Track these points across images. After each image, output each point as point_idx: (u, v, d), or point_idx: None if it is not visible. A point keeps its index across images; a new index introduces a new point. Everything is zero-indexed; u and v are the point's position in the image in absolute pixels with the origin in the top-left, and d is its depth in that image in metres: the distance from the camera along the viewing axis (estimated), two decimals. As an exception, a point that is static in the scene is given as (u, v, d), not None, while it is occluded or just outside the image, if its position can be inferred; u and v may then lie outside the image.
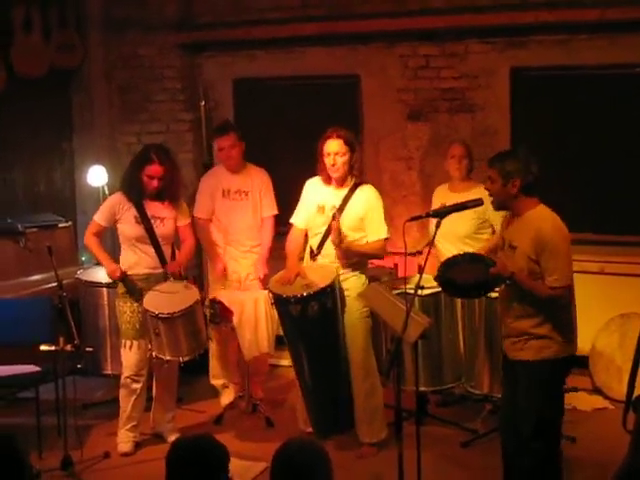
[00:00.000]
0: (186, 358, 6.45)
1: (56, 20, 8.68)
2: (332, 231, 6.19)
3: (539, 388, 5.14)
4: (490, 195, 5.26)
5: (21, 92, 8.48)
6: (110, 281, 6.96)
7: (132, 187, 6.57)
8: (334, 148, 6.27)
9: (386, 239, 6.34)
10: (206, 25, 8.91)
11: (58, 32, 8.71)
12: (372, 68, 8.41)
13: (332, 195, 6.38)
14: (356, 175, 6.34)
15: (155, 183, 6.50)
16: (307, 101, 8.59)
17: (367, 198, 6.34)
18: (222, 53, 8.99)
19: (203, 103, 8.85)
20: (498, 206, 5.31)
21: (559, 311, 5.09)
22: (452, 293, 5.75)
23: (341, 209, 6.31)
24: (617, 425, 5.84)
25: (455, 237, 6.88)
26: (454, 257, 5.34)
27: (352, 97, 8.53)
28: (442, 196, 7.02)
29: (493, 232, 6.90)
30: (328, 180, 6.40)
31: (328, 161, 6.28)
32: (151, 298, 6.40)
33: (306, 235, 6.57)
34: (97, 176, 8.35)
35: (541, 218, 5.07)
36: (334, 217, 6.23)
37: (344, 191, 6.35)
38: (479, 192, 6.42)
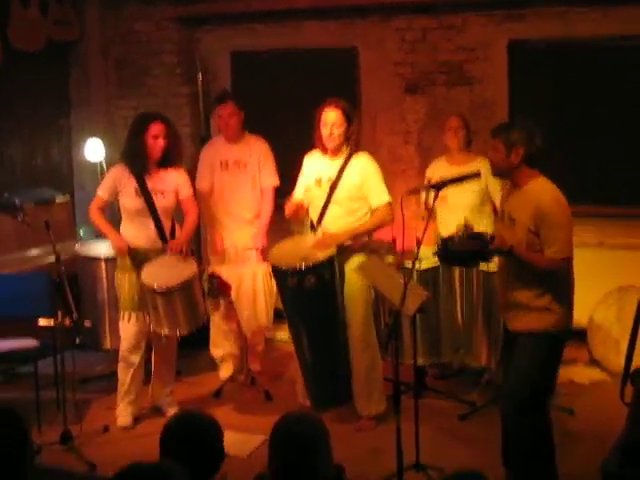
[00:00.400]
0: (184, 332, 6.45)
1: (53, -6, 8.66)
2: (322, 244, 6.22)
3: (537, 362, 5.14)
4: (492, 164, 5.25)
5: (18, 67, 8.45)
6: (108, 255, 6.98)
7: (134, 156, 6.54)
8: (332, 118, 6.26)
9: (389, 203, 6.32)
10: (203, -2, 8.88)
11: (55, 6, 8.67)
12: (369, 41, 8.38)
13: (327, 166, 6.38)
14: (352, 146, 6.33)
15: (161, 142, 6.47)
16: (305, 74, 8.57)
17: (362, 166, 6.33)
18: (219, 26, 8.95)
19: (200, 76, 8.82)
20: (498, 173, 5.30)
21: (558, 283, 5.10)
22: (451, 262, 5.76)
23: (337, 179, 6.31)
24: (615, 398, 5.86)
25: (458, 209, 6.84)
26: (451, 236, 5.33)
27: (350, 70, 8.50)
28: (441, 169, 7.01)
29: (494, 208, 6.90)
30: (325, 150, 6.39)
31: (325, 131, 6.28)
32: (149, 271, 6.39)
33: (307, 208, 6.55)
34: (95, 150, 8.34)
35: (541, 190, 5.06)
36: (314, 229, 6.34)
37: (340, 161, 6.35)
38: (478, 165, 6.43)
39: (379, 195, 6.31)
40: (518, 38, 7.86)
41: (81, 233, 8.49)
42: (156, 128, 6.47)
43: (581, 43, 7.68)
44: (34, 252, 7.86)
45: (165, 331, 6.42)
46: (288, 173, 6.67)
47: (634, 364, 5.93)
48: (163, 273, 6.38)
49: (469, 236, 5.23)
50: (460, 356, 6.91)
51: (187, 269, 6.44)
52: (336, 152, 6.35)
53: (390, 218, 6.36)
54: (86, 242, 7.95)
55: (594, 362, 7.43)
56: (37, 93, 8.88)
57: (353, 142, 6.33)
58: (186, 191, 6.74)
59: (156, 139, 6.47)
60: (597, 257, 7.47)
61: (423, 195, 6.90)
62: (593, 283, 7.11)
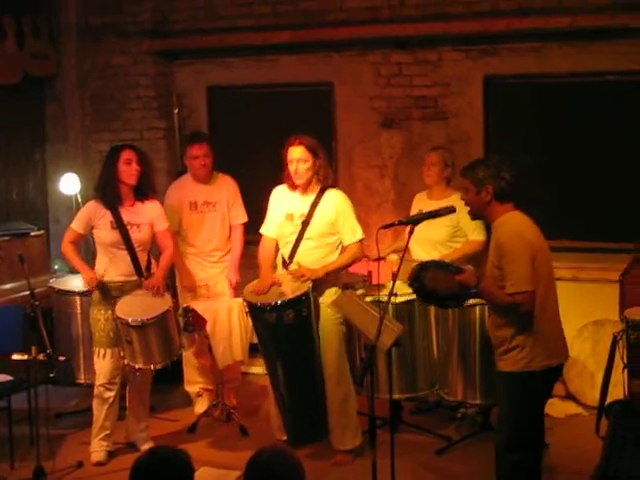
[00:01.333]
0: (158, 366, 6.44)
1: (30, 28, 8.65)
2: (298, 276, 6.21)
3: (514, 400, 5.12)
4: (466, 205, 5.27)
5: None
6: (83, 289, 6.95)
7: (107, 191, 6.55)
8: (296, 155, 6.29)
9: (361, 240, 6.34)
10: (179, 32, 8.90)
11: (32, 40, 8.68)
12: (345, 76, 8.42)
13: (299, 202, 6.39)
14: (321, 180, 6.35)
15: (134, 168, 6.49)
16: (281, 108, 8.60)
17: (335, 202, 6.35)
18: (196, 60, 8.99)
19: (177, 111, 8.84)
20: (474, 215, 5.32)
21: (526, 320, 5.02)
22: (427, 300, 5.76)
23: (309, 216, 6.32)
24: (590, 431, 5.90)
25: (428, 243, 6.90)
26: (425, 263, 5.33)
27: (325, 105, 8.54)
28: (420, 203, 7.05)
29: (467, 241, 6.94)
30: (294, 187, 6.41)
31: (291, 168, 6.31)
32: (123, 305, 6.38)
33: (277, 244, 6.56)
34: (70, 184, 8.33)
35: (504, 224, 5.07)
36: (286, 266, 6.34)
37: (311, 197, 6.36)
38: (456, 199, 6.45)
39: (352, 232, 6.33)
40: (493, 73, 7.93)
41: (56, 267, 8.45)
42: (128, 154, 6.51)
43: (556, 79, 7.75)
44: (8, 286, 7.80)
45: (140, 365, 6.40)
46: (264, 208, 6.67)
47: (609, 398, 5.95)
48: (138, 307, 6.37)
49: (436, 264, 5.24)
50: (436, 391, 6.89)
51: (162, 303, 6.45)
52: (306, 188, 6.37)
53: (361, 255, 6.40)
54: (61, 276, 7.90)
55: (569, 396, 7.43)
56: (13, 127, 8.87)
57: (322, 176, 6.34)
58: (162, 224, 6.74)
59: (129, 164, 6.48)
60: (572, 291, 7.48)
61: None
62: (568, 317, 7.06)
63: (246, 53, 8.68)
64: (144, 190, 6.62)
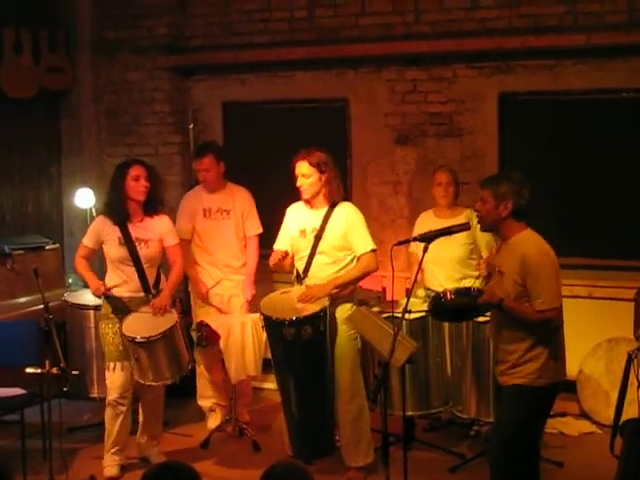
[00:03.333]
0: (168, 382, 6.46)
1: (46, 42, 8.70)
2: (308, 299, 6.22)
3: (515, 415, 5.12)
4: (478, 216, 5.27)
5: (10, 114, 8.50)
6: (97, 303, 6.95)
7: (115, 207, 6.57)
8: (300, 170, 6.34)
9: (373, 250, 6.33)
10: (196, 48, 8.94)
11: (48, 54, 8.73)
12: (360, 92, 8.43)
13: (311, 217, 6.41)
14: (326, 196, 6.36)
15: (142, 184, 6.50)
16: (296, 124, 8.61)
17: (346, 215, 6.36)
18: (211, 76, 9.01)
19: (192, 126, 8.86)
20: (485, 228, 5.32)
21: (548, 335, 5.07)
22: (444, 318, 5.76)
23: (321, 230, 6.33)
24: (604, 450, 5.85)
25: (446, 262, 6.87)
26: (441, 293, 5.34)
27: (340, 121, 8.54)
28: (428, 223, 6.95)
29: (481, 258, 6.92)
30: (307, 202, 6.44)
31: (298, 183, 6.35)
32: (130, 323, 6.40)
33: (292, 258, 6.56)
34: (85, 198, 8.36)
35: (527, 242, 5.09)
36: (300, 281, 6.36)
37: (322, 212, 6.38)
38: (465, 218, 6.44)
39: (363, 244, 6.32)
40: (508, 90, 7.92)
41: (70, 281, 8.47)
42: (136, 170, 6.52)
43: (571, 96, 7.74)
44: (22, 300, 7.82)
45: (149, 382, 6.41)
46: (279, 223, 6.68)
47: (624, 416, 5.92)
48: (144, 324, 6.39)
49: (457, 292, 5.25)
50: (449, 408, 6.87)
51: (168, 319, 6.45)
52: (314, 203, 6.39)
53: (375, 266, 6.37)
54: (75, 290, 7.92)
55: (584, 414, 7.41)
56: (28, 140, 8.90)
57: (328, 191, 6.35)
58: (171, 239, 6.75)
59: (138, 180, 6.50)
60: (587, 309, 7.47)
61: (412, 247, 6.91)
62: (583, 335, 7.12)
63: (261, 69, 8.71)
64: (153, 205, 6.64)
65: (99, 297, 6.61)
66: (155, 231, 6.65)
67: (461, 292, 5.29)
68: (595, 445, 6.86)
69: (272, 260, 6.47)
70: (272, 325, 6.23)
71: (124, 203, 6.54)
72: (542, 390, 5.09)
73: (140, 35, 8.96)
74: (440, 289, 6.04)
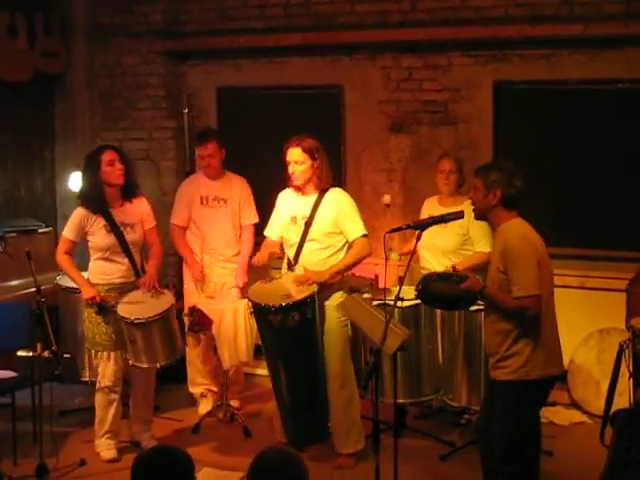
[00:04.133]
0: (163, 363, 6.46)
1: (41, 26, 8.67)
2: (304, 280, 6.21)
3: (510, 409, 5.12)
4: (472, 203, 5.29)
5: (4, 97, 8.47)
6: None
7: (92, 196, 6.53)
8: (292, 156, 6.34)
9: (365, 235, 6.33)
10: (191, 33, 8.91)
11: (43, 38, 8.70)
12: (355, 79, 8.41)
13: (301, 204, 6.42)
14: (316, 183, 6.36)
15: (118, 168, 6.48)
16: (290, 111, 8.59)
17: (336, 201, 6.36)
18: (206, 61, 8.99)
19: (186, 111, 8.84)
20: (478, 215, 5.34)
21: (529, 326, 5.05)
22: (434, 304, 5.77)
23: (311, 217, 6.33)
24: (595, 440, 5.87)
25: (439, 251, 6.89)
26: (423, 278, 5.36)
27: (335, 108, 8.53)
28: (431, 209, 6.99)
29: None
30: (298, 189, 6.43)
31: (289, 169, 6.36)
32: (125, 305, 6.41)
33: (282, 246, 6.57)
34: (78, 182, 8.32)
35: (510, 230, 5.10)
36: (291, 267, 6.36)
37: (313, 198, 6.38)
38: (467, 206, 6.44)
39: (355, 229, 6.32)
40: (503, 79, 7.91)
41: (61, 267, 8.46)
42: (109, 154, 6.50)
43: (567, 85, 7.73)
44: (15, 282, 7.81)
45: (144, 364, 6.42)
46: (271, 209, 6.67)
47: (614, 406, 5.94)
48: (140, 306, 6.40)
49: (439, 276, 5.27)
50: (440, 396, 6.88)
51: (164, 301, 6.48)
52: (305, 189, 6.39)
53: (368, 250, 6.36)
54: (67, 274, 7.90)
55: (574, 404, 7.42)
56: (22, 124, 8.88)
57: (319, 178, 6.35)
58: (150, 222, 6.77)
59: (113, 165, 6.47)
60: (578, 299, 7.48)
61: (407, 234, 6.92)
62: (574, 325, 7.13)
63: (256, 55, 8.69)
64: (130, 188, 6.63)
65: (89, 304, 6.53)
66: (136, 214, 6.65)
67: (443, 276, 5.30)
68: (585, 435, 6.87)
69: (257, 260, 6.48)
70: (259, 312, 6.24)
71: (101, 190, 6.50)
72: (533, 384, 5.09)
73: (136, 20, 8.94)
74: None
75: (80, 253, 6.91)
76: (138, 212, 6.65)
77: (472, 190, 5.26)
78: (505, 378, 5.10)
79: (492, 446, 5.19)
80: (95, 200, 6.52)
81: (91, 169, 6.53)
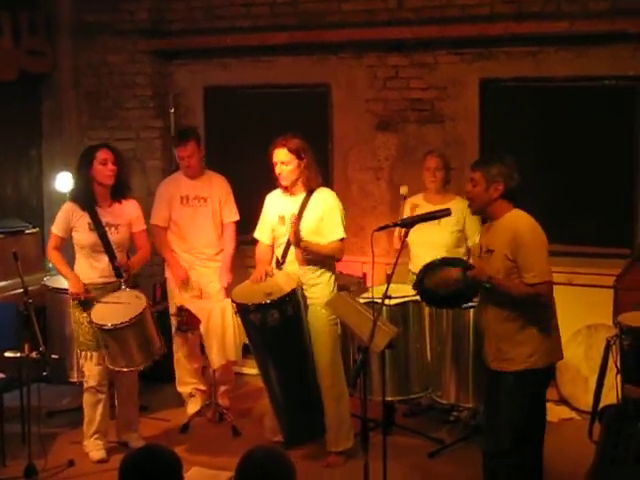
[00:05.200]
0: (139, 367, 6.46)
1: (26, 25, 8.64)
2: (290, 232, 6.19)
3: (519, 400, 5.12)
4: (469, 199, 5.27)
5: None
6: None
7: (82, 193, 6.55)
8: (279, 157, 6.33)
9: (342, 239, 6.32)
10: (177, 32, 8.90)
11: (28, 37, 8.67)
12: (341, 78, 8.42)
13: (290, 203, 6.41)
14: (305, 182, 6.36)
15: (110, 168, 6.46)
16: (277, 110, 8.59)
17: (324, 200, 6.37)
18: (193, 61, 8.98)
19: (173, 110, 8.83)
20: (476, 210, 5.33)
21: (538, 314, 5.08)
22: (432, 303, 5.75)
23: (299, 215, 6.32)
24: (583, 436, 5.89)
25: (434, 248, 6.84)
26: (431, 263, 5.34)
27: (322, 106, 8.53)
28: (417, 208, 6.97)
29: (467, 250, 6.93)
30: (286, 189, 6.43)
31: (276, 170, 6.35)
32: (99, 310, 6.39)
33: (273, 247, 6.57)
34: (65, 182, 8.32)
35: (517, 218, 5.13)
36: (292, 219, 6.24)
37: (300, 198, 6.38)
38: (456, 204, 6.45)
39: (333, 231, 6.32)
40: (489, 77, 7.92)
41: (50, 265, 8.42)
42: (103, 153, 6.48)
43: (553, 83, 7.75)
44: (1, 284, 7.77)
45: (121, 368, 6.41)
46: (260, 207, 6.67)
47: (603, 402, 5.95)
48: (113, 311, 6.36)
49: (446, 260, 5.24)
50: (429, 393, 6.88)
51: (137, 305, 6.42)
52: (293, 189, 6.39)
53: (341, 255, 6.39)
54: (55, 274, 7.86)
55: (563, 400, 7.44)
56: (8, 123, 8.85)
57: (306, 178, 6.34)
58: (139, 225, 6.76)
59: (105, 164, 6.46)
60: (566, 296, 7.43)
61: (397, 232, 6.91)
62: (562, 321, 7.06)
63: (243, 54, 8.68)
64: (121, 190, 6.62)
65: (75, 300, 6.53)
66: (124, 216, 6.63)
67: (449, 261, 5.28)
68: (574, 431, 6.89)
69: (254, 279, 6.43)
70: (241, 311, 6.27)
71: (91, 188, 6.51)
72: (541, 372, 5.12)
73: (121, 19, 8.92)
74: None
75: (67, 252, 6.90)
76: (127, 214, 6.64)
77: (469, 184, 5.24)
78: (514, 369, 5.10)
79: (497, 438, 5.17)
80: (83, 197, 6.53)
81: (84, 165, 6.54)
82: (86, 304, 6.44)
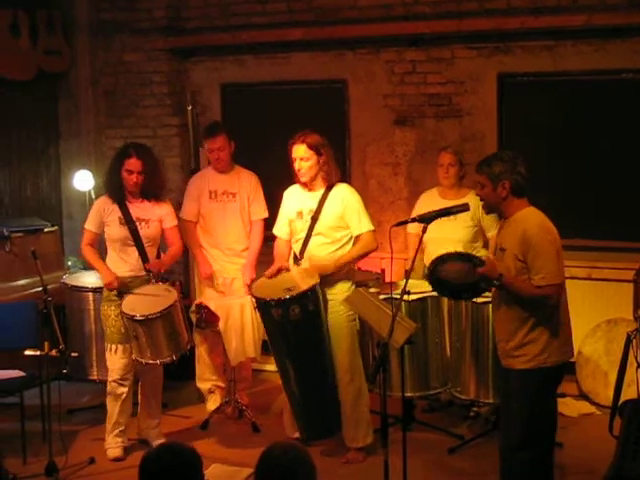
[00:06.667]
0: (166, 360, 6.46)
1: (44, 24, 8.67)
2: (309, 274, 6.22)
3: (528, 397, 5.11)
4: (482, 200, 5.26)
5: (8, 96, 8.48)
6: (96, 286, 6.96)
7: (113, 186, 6.61)
8: (298, 153, 6.32)
9: (372, 230, 6.33)
10: (194, 30, 8.90)
11: (45, 36, 8.70)
12: (359, 73, 8.40)
13: (308, 199, 6.41)
14: (324, 178, 6.36)
15: (134, 178, 6.49)
16: (294, 106, 8.58)
17: (342, 196, 6.36)
18: (210, 58, 8.99)
19: (190, 108, 8.83)
20: (489, 209, 5.31)
21: (548, 315, 5.07)
22: (443, 293, 5.73)
23: (318, 211, 6.33)
24: (604, 431, 5.86)
25: (449, 244, 6.79)
26: (443, 255, 5.32)
27: (339, 102, 8.52)
28: (431, 203, 6.92)
29: (484, 242, 6.92)
30: (304, 184, 6.43)
31: (295, 166, 6.35)
32: (130, 301, 6.42)
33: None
34: (83, 180, 8.35)
35: (527, 217, 5.09)
36: (297, 262, 6.37)
37: (319, 193, 6.38)
38: (471, 198, 6.42)
39: (361, 224, 6.32)
40: (507, 71, 7.90)
41: (69, 263, 8.46)
42: (130, 164, 6.49)
43: (571, 77, 7.72)
44: (21, 282, 7.81)
45: (147, 360, 6.42)
46: (278, 204, 6.67)
47: (623, 397, 5.92)
48: (144, 303, 6.40)
49: (458, 255, 5.23)
50: (448, 389, 6.87)
51: (167, 298, 6.45)
52: (312, 185, 6.39)
53: (374, 245, 6.37)
54: (74, 272, 7.91)
55: (583, 395, 7.42)
56: (26, 123, 8.89)
57: (326, 173, 6.34)
58: (170, 221, 6.77)
59: (130, 174, 6.49)
60: (586, 290, 7.47)
61: (410, 227, 6.91)
62: (582, 316, 7.11)
63: (259, 50, 8.68)
64: (149, 196, 6.63)
65: (112, 290, 6.57)
66: (155, 212, 6.66)
67: (462, 256, 5.27)
68: (594, 426, 6.86)
69: (268, 274, 6.46)
70: (262, 306, 6.26)
71: (121, 186, 6.57)
72: (551, 370, 5.10)
73: (138, 17, 8.93)
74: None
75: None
76: (157, 211, 6.67)
77: (478, 187, 5.23)
78: (522, 367, 5.09)
79: (509, 434, 5.18)
80: (114, 191, 6.59)
81: (115, 165, 6.60)
82: (120, 294, 6.47)
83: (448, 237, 6.76)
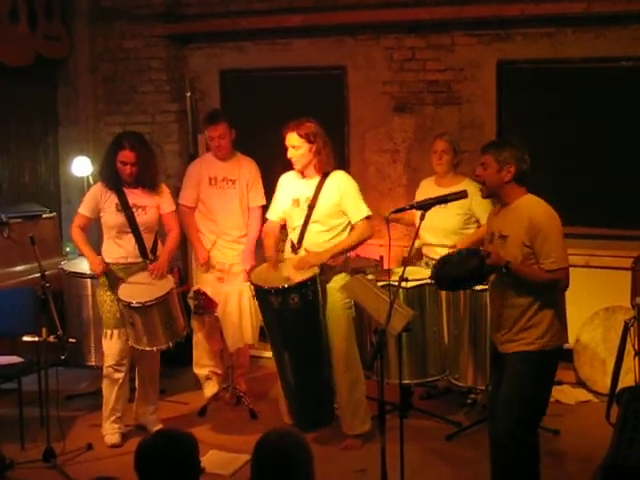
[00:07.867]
0: (163, 347, 6.46)
1: (42, 10, 8.64)
2: (305, 264, 6.23)
3: (525, 381, 5.11)
4: (481, 182, 5.25)
5: (6, 82, 8.45)
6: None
7: (109, 175, 6.58)
8: (290, 141, 6.34)
9: (368, 217, 6.33)
10: (193, 16, 8.88)
11: (44, 22, 8.68)
12: (358, 60, 8.39)
13: (305, 186, 6.41)
14: (317, 166, 6.35)
15: (128, 169, 6.48)
16: (294, 92, 8.57)
17: (338, 183, 6.35)
18: (209, 44, 8.97)
19: (189, 94, 8.82)
20: (488, 193, 5.29)
21: (553, 298, 5.08)
22: (447, 287, 5.72)
23: (314, 199, 6.33)
24: (601, 418, 5.87)
25: (440, 231, 6.87)
26: (448, 255, 5.31)
27: (338, 89, 8.51)
28: (428, 189, 6.98)
29: (479, 227, 6.91)
30: (300, 172, 6.43)
31: (288, 154, 6.36)
32: (126, 288, 6.43)
33: (284, 227, 6.57)
34: (82, 166, 8.34)
35: (533, 204, 5.09)
36: (295, 250, 6.36)
37: (315, 181, 6.38)
38: (466, 186, 6.41)
39: (357, 211, 6.32)
40: (507, 58, 7.88)
41: (67, 249, 8.46)
42: (124, 155, 6.48)
43: (570, 64, 7.70)
44: (19, 268, 7.81)
45: (144, 347, 6.43)
46: (275, 191, 6.67)
47: (620, 384, 5.93)
48: (140, 289, 6.40)
49: (468, 252, 5.22)
50: (446, 376, 6.88)
51: (164, 285, 6.46)
52: (306, 172, 6.40)
53: (370, 232, 6.37)
54: (72, 259, 7.90)
55: (580, 382, 7.43)
56: (25, 109, 8.87)
57: (319, 161, 6.34)
58: (167, 207, 6.76)
59: (124, 165, 6.48)
60: (584, 278, 7.46)
61: (407, 215, 6.90)
62: (580, 304, 7.11)
63: (259, 37, 8.66)
64: (144, 185, 6.61)
65: (99, 277, 6.57)
66: (152, 199, 6.65)
67: (471, 252, 5.26)
68: (591, 413, 6.87)
69: (269, 255, 6.48)
70: (260, 294, 6.26)
71: (116, 175, 6.55)
72: (550, 354, 5.11)
73: (137, 4, 8.92)
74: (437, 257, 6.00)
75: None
76: (155, 197, 6.66)
77: (480, 167, 5.21)
78: (522, 349, 5.09)
79: (503, 418, 5.16)
80: (110, 178, 6.56)
81: (110, 154, 6.58)
82: (111, 280, 6.47)
83: (439, 225, 6.77)
